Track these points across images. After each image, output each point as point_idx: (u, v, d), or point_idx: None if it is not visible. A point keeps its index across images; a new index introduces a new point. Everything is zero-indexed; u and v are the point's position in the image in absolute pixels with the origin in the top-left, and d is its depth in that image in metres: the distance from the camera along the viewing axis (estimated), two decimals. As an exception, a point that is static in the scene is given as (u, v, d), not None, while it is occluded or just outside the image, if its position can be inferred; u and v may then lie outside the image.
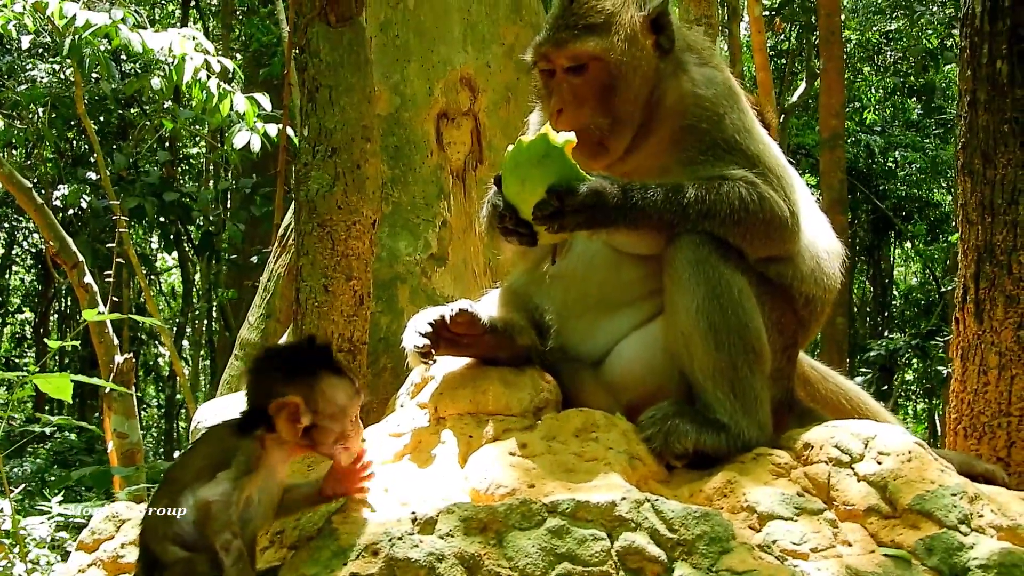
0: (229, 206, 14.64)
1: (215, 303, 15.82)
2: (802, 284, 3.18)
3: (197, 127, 12.43)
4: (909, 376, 16.69)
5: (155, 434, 18.56)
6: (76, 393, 3.81)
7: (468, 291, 4.48)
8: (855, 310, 18.90)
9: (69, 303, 18.35)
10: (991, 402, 3.20)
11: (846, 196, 11.64)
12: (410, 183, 4.76)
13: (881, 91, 17.45)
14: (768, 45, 12.96)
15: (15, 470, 11.65)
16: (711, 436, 2.89)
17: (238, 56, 14.52)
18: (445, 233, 4.76)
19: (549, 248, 3.13)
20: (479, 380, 3.04)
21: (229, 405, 3.93)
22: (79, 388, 3.91)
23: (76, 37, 7.25)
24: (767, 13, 15.25)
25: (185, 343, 17.90)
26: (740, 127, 3.17)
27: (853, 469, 2.72)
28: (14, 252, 18.10)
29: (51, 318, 19.06)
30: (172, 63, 7.49)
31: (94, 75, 11.58)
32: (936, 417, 16.60)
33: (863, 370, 14.03)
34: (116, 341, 7.05)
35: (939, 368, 13.29)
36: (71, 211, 13.17)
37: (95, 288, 7.12)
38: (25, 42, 9.79)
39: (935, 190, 16.95)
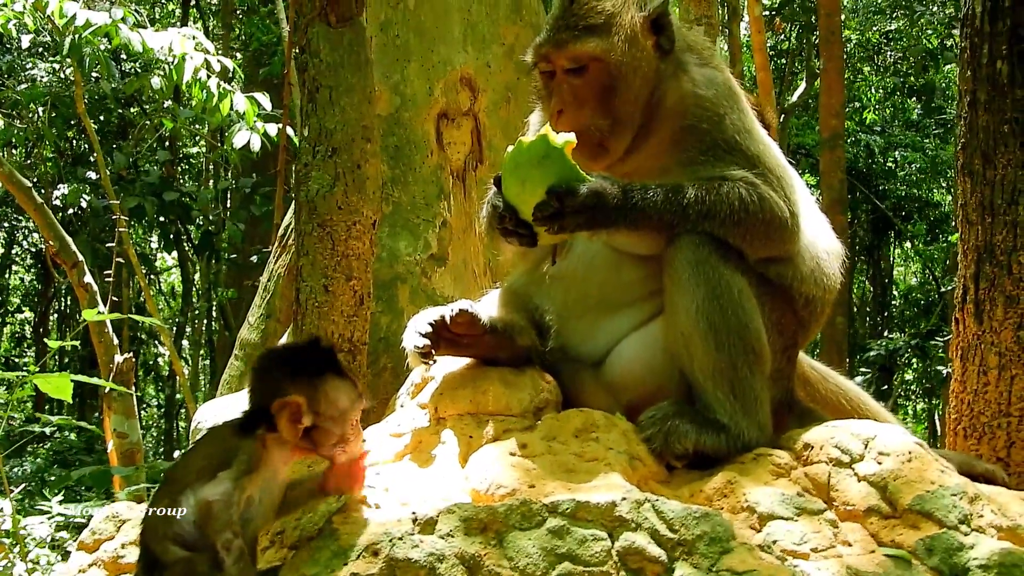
0: (229, 206, 14.64)
1: (215, 303, 15.81)
2: (802, 285, 3.18)
3: (197, 127, 12.44)
4: (909, 376, 16.70)
5: (155, 434, 18.56)
6: (76, 393, 3.81)
7: (468, 291, 4.48)
8: (855, 310, 18.90)
9: (69, 303, 18.35)
10: (991, 402, 3.20)
11: (846, 196, 11.65)
12: (410, 183, 4.77)
13: (881, 91, 17.45)
14: (768, 45, 12.96)
15: (15, 470, 11.65)
16: (711, 436, 2.89)
17: (238, 55, 14.52)
18: (445, 233, 4.76)
19: (549, 248, 3.13)
20: (479, 380, 3.05)
21: (229, 405, 3.94)
22: (79, 388, 3.91)
23: (76, 36, 7.26)
24: (767, 13, 15.25)
25: (185, 343, 17.89)
26: (740, 127, 3.17)
27: (853, 469, 2.72)
28: (14, 251, 18.10)
29: (51, 318, 19.06)
30: (172, 62, 7.49)
31: (94, 74, 11.59)
32: (936, 417, 16.61)
33: (863, 370, 14.04)
34: (116, 341, 7.05)
35: (939, 368, 13.28)
36: (71, 210, 13.17)
37: (95, 288, 7.12)
38: (25, 41, 9.80)
39: (935, 190, 16.96)
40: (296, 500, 2.61)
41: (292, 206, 4.44)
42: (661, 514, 2.49)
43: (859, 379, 11.80)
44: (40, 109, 12.23)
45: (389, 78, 4.81)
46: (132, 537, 2.84)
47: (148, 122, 13.53)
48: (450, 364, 3.15)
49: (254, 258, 11.49)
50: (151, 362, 17.75)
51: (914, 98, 17.68)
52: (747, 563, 2.40)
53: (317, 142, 3.37)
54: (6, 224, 16.45)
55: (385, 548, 2.37)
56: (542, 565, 2.38)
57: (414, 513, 2.48)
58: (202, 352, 17.82)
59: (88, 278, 7.08)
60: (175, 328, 17.53)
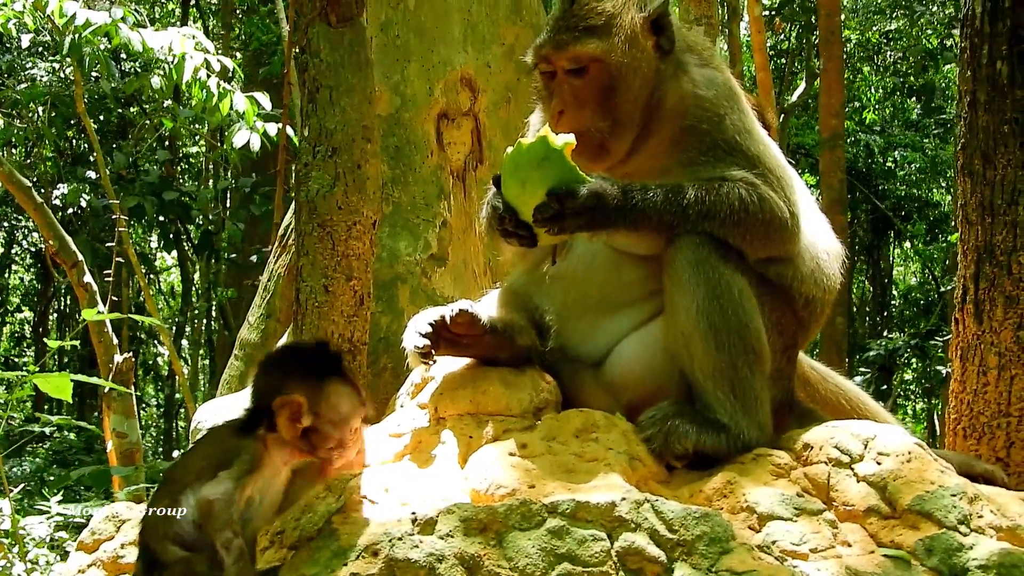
0: (229, 205, 14.64)
1: (214, 302, 15.82)
2: (802, 285, 3.18)
3: (197, 126, 12.44)
4: (908, 376, 16.70)
5: (154, 433, 18.56)
6: (75, 392, 3.81)
7: (468, 291, 4.48)
8: (855, 310, 18.91)
9: (68, 302, 18.36)
10: (990, 402, 3.20)
11: (846, 196, 11.66)
12: (410, 183, 4.76)
13: (881, 91, 17.47)
14: (768, 45, 12.97)
15: (14, 470, 11.66)
16: (711, 436, 2.89)
17: (238, 55, 14.51)
18: (445, 233, 4.76)
19: (549, 249, 3.13)
20: (479, 380, 3.05)
21: (229, 405, 3.94)
22: (78, 388, 3.91)
23: (76, 36, 7.26)
24: (767, 13, 15.25)
25: (184, 342, 17.89)
26: (740, 128, 3.17)
27: (853, 470, 2.72)
28: (13, 251, 18.10)
29: (50, 317, 19.07)
30: (172, 62, 7.49)
31: (94, 74, 11.58)
32: (935, 417, 16.61)
33: (862, 370, 14.04)
34: (115, 340, 7.05)
35: (938, 368, 13.29)
36: (71, 210, 13.18)
37: (94, 287, 7.12)
38: (25, 41, 9.80)
39: (935, 190, 16.97)
40: (304, 485, 2.62)
41: (292, 206, 4.44)
42: (661, 514, 2.49)
43: (859, 379, 11.83)
44: (40, 109, 12.24)
45: (389, 78, 4.81)
46: (132, 537, 2.84)
47: (148, 122, 13.53)
48: (450, 364, 3.15)
49: (254, 258, 11.50)
50: (151, 362, 17.76)
51: (914, 98, 17.69)
52: (747, 563, 2.40)
53: (317, 142, 3.37)
54: (6, 224, 16.45)
55: (385, 548, 2.37)
56: (542, 565, 2.38)
57: (414, 513, 2.48)
58: (202, 352, 17.83)
59: (88, 278, 7.08)
60: (175, 328, 17.53)
